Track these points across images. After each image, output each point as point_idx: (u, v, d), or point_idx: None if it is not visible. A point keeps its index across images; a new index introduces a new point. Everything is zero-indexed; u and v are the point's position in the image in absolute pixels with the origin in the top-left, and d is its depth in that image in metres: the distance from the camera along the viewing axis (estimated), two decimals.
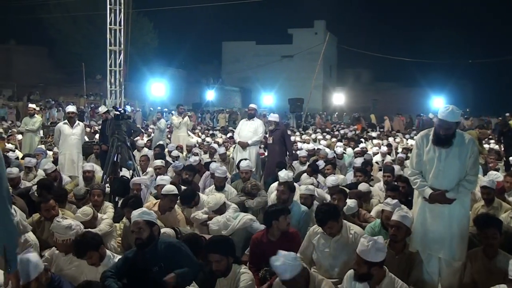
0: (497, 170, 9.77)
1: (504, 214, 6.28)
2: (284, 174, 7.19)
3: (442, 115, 4.65)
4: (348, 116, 38.28)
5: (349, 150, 13.34)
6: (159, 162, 8.79)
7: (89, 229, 5.20)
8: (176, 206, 6.57)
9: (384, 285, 4.02)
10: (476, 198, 7.08)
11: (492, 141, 16.14)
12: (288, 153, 10.07)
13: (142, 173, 9.02)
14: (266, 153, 11.12)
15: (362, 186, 7.49)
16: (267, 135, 10.60)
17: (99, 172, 9.04)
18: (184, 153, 12.63)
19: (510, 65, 12.42)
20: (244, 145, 10.12)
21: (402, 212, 4.87)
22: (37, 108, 15.58)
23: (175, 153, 11.32)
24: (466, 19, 56.67)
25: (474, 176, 4.79)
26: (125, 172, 8.45)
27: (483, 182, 6.67)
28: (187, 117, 14.97)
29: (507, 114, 23.14)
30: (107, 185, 7.75)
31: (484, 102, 42.31)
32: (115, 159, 8.15)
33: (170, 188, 6.52)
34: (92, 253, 4.46)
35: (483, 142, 13.63)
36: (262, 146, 10.12)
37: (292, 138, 16.89)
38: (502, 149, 13.07)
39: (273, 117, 10.29)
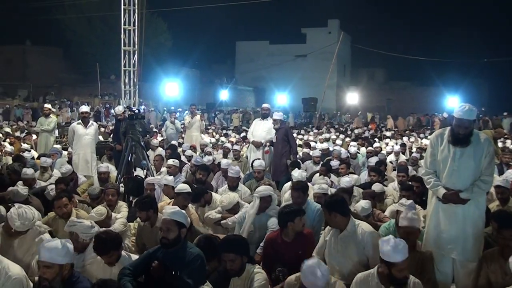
0: None
1: None
2: (297, 174, 7.18)
3: (459, 114, 4.61)
4: (362, 115, 38.13)
5: (363, 150, 13.28)
6: (171, 161, 8.82)
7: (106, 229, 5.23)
8: (190, 205, 6.57)
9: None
10: (493, 198, 7.02)
11: (508, 140, 15.97)
12: (292, 152, 9.99)
13: (156, 173, 9.06)
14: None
15: (376, 186, 7.45)
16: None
17: (113, 172, 9.10)
18: (198, 153, 12.66)
19: None
20: (258, 145, 10.11)
21: (409, 215, 4.80)
22: (53, 109, 15.72)
23: (188, 152, 11.35)
24: (481, 18, 56.11)
25: (490, 177, 4.74)
26: (139, 172, 8.49)
27: (497, 182, 6.60)
28: (197, 116, 14.98)
29: None
30: (121, 184, 7.79)
31: (499, 101, 41.90)
32: (129, 159, 8.20)
33: (183, 187, 6.52)
34: (113, 252, 4.47)
35: (498, 141, 13.49)
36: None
37: (306, 138, 16.92)
38: None
39: (277, 115, 10.22)
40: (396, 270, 3.90)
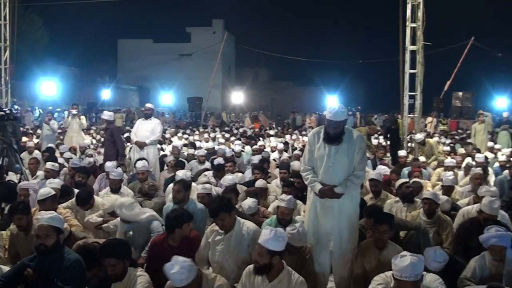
0: (386, 165, 10.38)
1: (388, 200, 6.71)
2: (182, 174, 7.14)
3: (328, 116, 4.87)
4: (248, 114, 38.79)
5: (248, 148, 13.52)
6: (49, 165, 8.35)
7: None
8: (62, 208, 6.28)
9: (281, 277, 4.12)
10: (368, 191, 7.47)
11: (381, 136, 17.10)
12: (119, 153, 9.89)
13: (32, 177, 8.54)
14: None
15: (259, 183, 7.63)
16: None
17: None
18: (78, 155, 12.13)
19: (396, 66, 13.35)
20: (141, 145, 9.91)
21: (292, 233, 4.84)
22: None
23: (67, 154, 10.85)
24: (357, 21, 59.71)
25: (362, 171, 5.05)
26: (11, 176, 7.96)
27: (371, 175, 7.08)
28: (78, 116, 14.34)
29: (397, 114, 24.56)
30: None
31: (374, 100, 44.76)
32: (0, 163, 7.66)
33: (45, 192, 6.14)
34: None
35: (372, 137, 14.43)
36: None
37: (191, 138, 16.87)
38: (388, 144, 13.93)
39: (106, 115, 10.08)
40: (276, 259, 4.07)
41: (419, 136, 11.55)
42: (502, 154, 10.88)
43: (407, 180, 6.73)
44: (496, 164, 10.61)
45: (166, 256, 4.88)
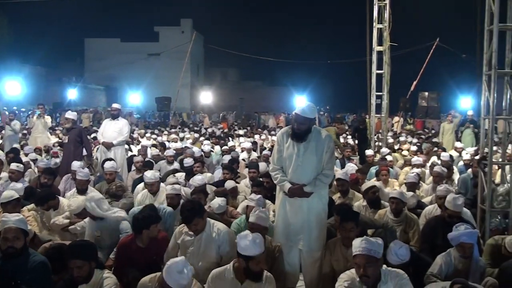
0: (354, 163, 10.50)
1: (356, 203, 6.77)
2: (150, 174, 7.08)
3: (298, 110, 4.91)
4: (217, 114, 38.73)
5: (217, 148, 13.48)
6: (14, 166, 8.16)
7: None
8: (27, 210, 6.17)
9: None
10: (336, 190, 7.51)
11: (349, 136, 17.29)
12: (86, 153, 9.73)
13: None
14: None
15: (228, 183, 7.61)
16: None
17: None
18: (43, 155, 11.89)
19: (363, 66, 13.56)
20: (108, 146, 9.78)
21: (259, 213, 4.95)
22: None
23: (32, 155, 10.63)
24: (326, 22, 60.27)
25: (330, 170, 5.11)
26: None
27: (338, 175, 7.13)
28: (45, 117, 14.06)
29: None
30: None
31: (342, 100, 45.25)
32: None
33: (9, 195, 5.99)
34: None
35: (341, 137, 14.59)
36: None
37: (159, 139, 16.71)
38: (356, 143, 14.11)
39: (71, 114, 9.96)
40: (254, 263, 4.04)
41: (384, 150, 11.67)
42: (467, 153, 11.11)
43: (373, 184, 6.78)
44: (461, 163, 10.83)
45: (133, 258, 4.85)
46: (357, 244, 3.89)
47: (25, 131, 15.43)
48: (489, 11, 6.42)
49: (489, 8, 6.41)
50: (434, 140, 16.55)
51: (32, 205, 6.41)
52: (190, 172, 8.86)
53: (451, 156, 10.69)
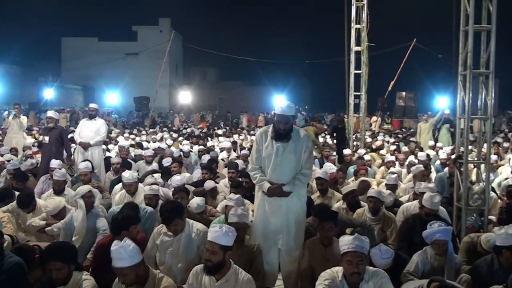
0: (333, 162, 10.56)
1: (336, 204, 6.80)
2: (128, 175, 7.03)
3: (279, 110, 4.93)
4: (195, 114, 38.56)
5: (196, 148, 13.44)
6: None
7: None
8: (1, 211, 6.07)
9: (228, 276, 4.11)
10: (313, 190, 7.54)
11: (328, 136, 17.38)
12: (66, 154, 9.75)
13: None
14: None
15: (208, 184, 7.60)
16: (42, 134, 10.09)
17: None
18: (19, 156, 11.71)
19: (341, 66, 13.65)
20: (85, 146, 9.68)
21: (239, 211, 4.96)
22: None
23: (7, 156, 10.46)
24: (304, 22, 60.56)
25: (309, 170, 5.13)
26: None
27: (317, 174, 7.16)
28: (20, 117, 13.84)
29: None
30: None
31: (320, 100, 45.52)
32: None
33: None
34: None
35: (320, 136, 14.65)
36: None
37: (138, 139, 16.58)
38: (335, 142, 14.20)
39: (54, 114, 9.89)
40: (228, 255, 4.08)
41: (361, 151, 11.75)
42: (443, 152, 11.26)
43: (353, 189, 6.83)
44: (438, 162, 10.96)
45: (111, 260, 4.79)
46: (348, 242, 3.89)
47: None
48: (464, 12, 6.51)
49: (464, 9, 6.50)
50: (412, 139, 16.73)
51: (6, 207, 6.30)
52: (168, 172, 8.82)
53: (428, 156, 10.82)
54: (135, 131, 20.58)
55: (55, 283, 3.99)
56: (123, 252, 3.78)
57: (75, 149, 10.29)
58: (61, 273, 3.96)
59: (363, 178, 8.32)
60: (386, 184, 7.87)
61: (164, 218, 4.91)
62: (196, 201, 6.41)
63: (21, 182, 7.67)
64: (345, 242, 3.92)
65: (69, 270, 4.02)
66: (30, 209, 6.32)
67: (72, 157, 10.04)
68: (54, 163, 8.07)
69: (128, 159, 10.47)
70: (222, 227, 4.09)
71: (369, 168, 9.98)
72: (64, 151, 9.69)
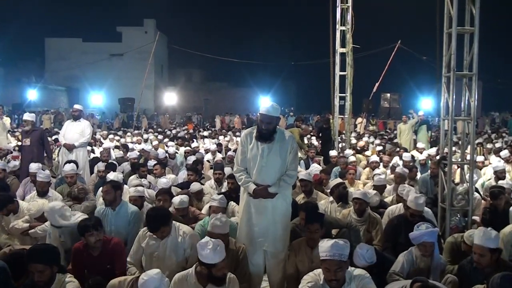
0: (319, 163, 10.58)
1: (322, 201, 6.83)
2: (113, 176, 6.99)
3: (264, 110, 4.92)
4: (180, 115, 38.51)
5: (182, 150, 13.39)
6: None
7: None
8: None
9: None
10: (300, 191, 7.55)
11: (313, 137, 17.42)
12: (47, 156, 9.66)
13: None
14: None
15: (194, 186, 7.55)
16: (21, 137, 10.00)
17: None
18: (3, 159, 11.56)
19: (327, 68, 13.75)
20: (70, 148, 9.60)
21: (214, 221, 4.81)
22: None
23: None
24: (289, 23, 60.73)
25: (294, 171, 5.13)
26: None
27: (301, 175, 7.18)
28: (3, 118, 13.68)
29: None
30: None
31: (306, 101, 45.65)
32: None
33: None
34: None
35: (305, 138, 14.69)
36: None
37: (123, 140, 16.50)
38: (320, 143, 14.24)
39: (29, 116, 9.80)
40: (216, 269, 4.01)
41: (348, 152, 11.78)
42: (424, 153, 11.29)
43: (342, 181, 6.86)
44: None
45: (86, 265, 4.72)
46: (326, 249, 3.84)
47: None
48: (448, 14, 6.57)
49: (447, 12, 6.55)
50: (395, 141, 16.85)
51: None
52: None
53: (412, 157, 10.89)
54: (120, 133, 20.45)
55: (38, 285, 3.94)
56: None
57: (59, 150, 10.19)
58: (43, 275, 3.91)
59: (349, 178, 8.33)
60: (374, 185, 7.90)
61: (151, 227, 4.89)
62: (179, 197, 6.33)
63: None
64: (324, 249, 3.86)
65: (51, 272, 3.97)
66: (9, 212, 6.24)
67: (55, 159, 9.94)
68: (33, 167, 7.97)
69: (112, 161, 10.40)
70: (216, 246, 4.01)
71: None
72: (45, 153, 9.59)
